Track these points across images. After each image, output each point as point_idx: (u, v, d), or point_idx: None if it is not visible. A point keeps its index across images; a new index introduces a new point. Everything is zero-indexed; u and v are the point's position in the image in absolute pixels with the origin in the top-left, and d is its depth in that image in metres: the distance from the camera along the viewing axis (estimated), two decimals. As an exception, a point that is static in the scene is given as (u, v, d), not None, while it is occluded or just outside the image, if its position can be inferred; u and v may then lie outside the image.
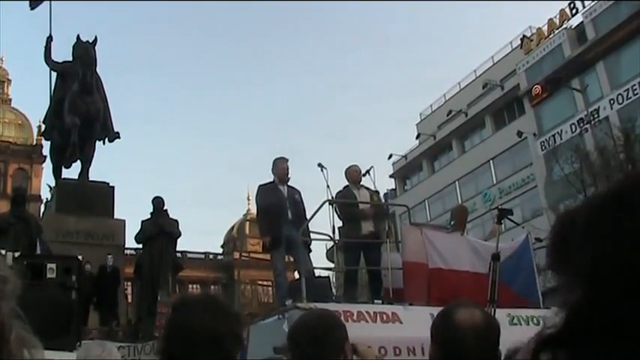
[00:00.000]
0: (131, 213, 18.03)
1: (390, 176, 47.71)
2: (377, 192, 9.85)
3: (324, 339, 2.21)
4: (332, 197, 8.94)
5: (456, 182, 41.49)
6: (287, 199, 8.84)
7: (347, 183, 9.33)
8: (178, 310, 1.78)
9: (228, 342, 1.69)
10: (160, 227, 12.53)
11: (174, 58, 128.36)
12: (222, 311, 1.73)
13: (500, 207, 9.29)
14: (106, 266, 13.01)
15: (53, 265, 8.65)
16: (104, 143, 15.60)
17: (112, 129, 15.61)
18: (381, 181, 38.33)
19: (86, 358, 3.22)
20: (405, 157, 46.66)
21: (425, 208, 42.42)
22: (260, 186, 9.15)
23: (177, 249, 13.97)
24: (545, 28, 36.59)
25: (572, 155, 27.28)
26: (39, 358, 0.90)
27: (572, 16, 35.23)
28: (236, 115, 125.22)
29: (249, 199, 56.01)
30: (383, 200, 12.51)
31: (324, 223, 9.21)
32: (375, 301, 8.52)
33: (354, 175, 9.38)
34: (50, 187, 16.86)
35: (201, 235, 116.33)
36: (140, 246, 13.52)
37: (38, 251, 10.03)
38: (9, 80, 65.87)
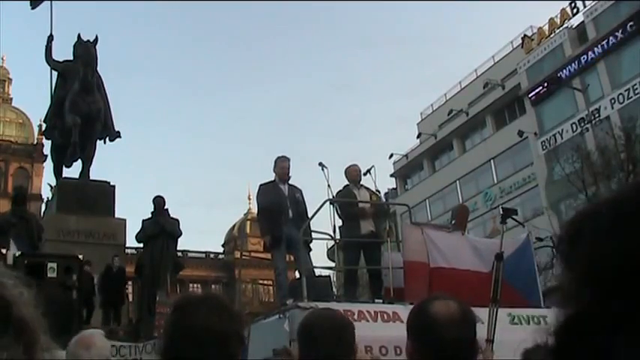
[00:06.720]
0: (132, 212, 18.08)
1: (391, 175, 47.68)
2: (377, 192, 9.83)
3: (340, 337, 2.19)
4: (333, 196, 8.93)
5: (457, 182, 41.44)
6: (288, 198, 8.83)
7: (347, 182, 9.33)
8: (183, 310, 1.73)
9: (233, 342, 1.68)
10: (161, 226, 12.52)
11: (174, 57, 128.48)
12: (227, 311, 1.71)
13: (504, 206, 9.26)
14: (112, 266, 13.01)
15: (54, 265, 8.63)
16: (105, 142, 15.58)
17: (113, 128, 15.58)
18: (382, 181, 38.26)
19: None
20: (406, 156, 46.61)
21: (426, 207, 42.37)
22: (260, 185, 9.14)
23: (178, 248, 13.96)
24: (546, 28, 36.56)
25: (573, 155, 27.24)
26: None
27: (573, 15, 35.21)
28: (237, 114, 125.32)
29: (249, 199, 56.10)
30: (383, 200, 12.48)
31: (325, 222, 9.22)
32: (376, 300, 8.53)
33: (353, 174, 9.37)
34: (51, 186, 16.85)
35: (201, 234, 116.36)
36: (141, 245, 13.52)
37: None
38: (10, 79, 65.81)
